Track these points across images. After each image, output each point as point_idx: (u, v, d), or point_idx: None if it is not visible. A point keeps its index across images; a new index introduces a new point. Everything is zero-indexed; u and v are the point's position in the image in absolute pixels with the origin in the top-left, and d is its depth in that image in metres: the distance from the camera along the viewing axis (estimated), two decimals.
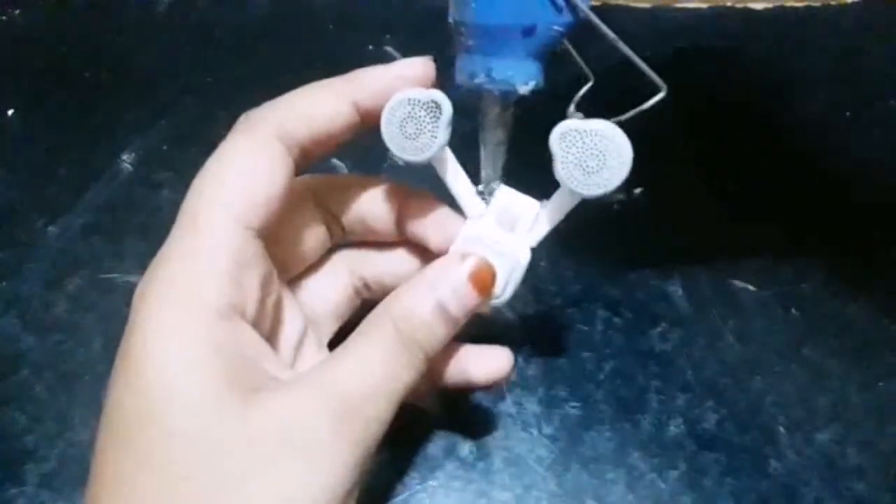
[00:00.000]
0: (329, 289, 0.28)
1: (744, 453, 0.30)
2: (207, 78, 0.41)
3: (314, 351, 0.26)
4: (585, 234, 0.36)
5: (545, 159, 0.23)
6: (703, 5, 0.45)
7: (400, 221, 0.26)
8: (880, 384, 0.31)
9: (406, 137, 0.23)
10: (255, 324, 0.22)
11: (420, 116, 0.23)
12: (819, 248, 0.35)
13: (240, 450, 0.19)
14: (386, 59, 0.42)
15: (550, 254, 0.35)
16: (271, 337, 0.24)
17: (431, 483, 0.29)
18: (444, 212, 0.26)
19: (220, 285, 0.21)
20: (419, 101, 0.23)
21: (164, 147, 0.39)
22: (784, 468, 0.29)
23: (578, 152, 0.22)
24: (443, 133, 0.23)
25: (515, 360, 0.29)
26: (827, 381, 0.32)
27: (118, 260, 0.35)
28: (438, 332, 0.23)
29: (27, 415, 0.31)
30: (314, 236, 0.27)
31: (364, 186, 0.27)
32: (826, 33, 0.40)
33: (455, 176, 0.25)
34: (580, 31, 0.23)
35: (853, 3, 0.45)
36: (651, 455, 0.30)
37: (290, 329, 0.25)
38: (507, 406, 0.31)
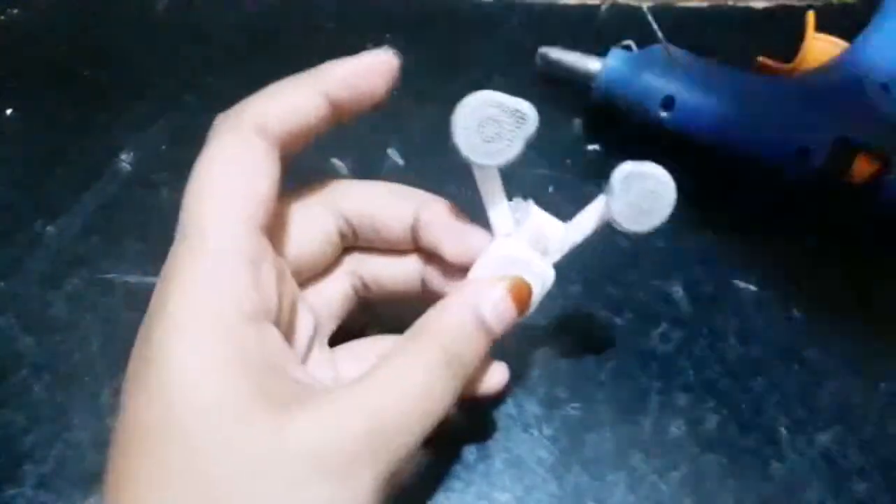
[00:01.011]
0: (330, 287, 0.27)
1: (745, 454, 0.30)
2: (207, 78, 0.41)
3: (319, 351, 0.26)
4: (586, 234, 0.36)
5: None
6: (704, 4, 0.44)
7: (415, 227, 0.26)
8: (882, 385, 0.31)
9: (482, 138, 0.23)
10: (277, 324, 0.22)
11: (503, 122, 0.23)
12: (820, 249, 0.35)
13: (271, 468, 0.19)
14: None
15: None
16: (288, 337, 0.23)
17: (431, 483, 0.29)
18: (463, 222, 0.26)
19: (241, 287, 0.20)
20: (507, 106, 0.23)
21: (163, 147, 0.39)
22: (785, 469, 0.29)
23: (635, 194, 0.24)
24: (520, 144, 0.23)
25: (516, 361, 0.29)
26: (828, 382, 0.31)
27: (117, 260, 0.35)
28: (479, 349, 0.23)
29: (25, 415, 0.30)
30: (326, 241, 0.26)
31: (380, 193, 0.26)
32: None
33: (494, 190, 0.25)
34: None
35: (854, 3, 0.45)
36: (652, 456, 0.30)
37: (303, 329, 0.25)
38: (507, 407, 0.31)
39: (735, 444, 0.30)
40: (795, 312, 0.33)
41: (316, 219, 0.26)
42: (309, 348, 0.25)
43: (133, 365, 0.20)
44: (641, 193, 0.24)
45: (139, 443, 0.19)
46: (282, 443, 0.19)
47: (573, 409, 0.31)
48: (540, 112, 0.23)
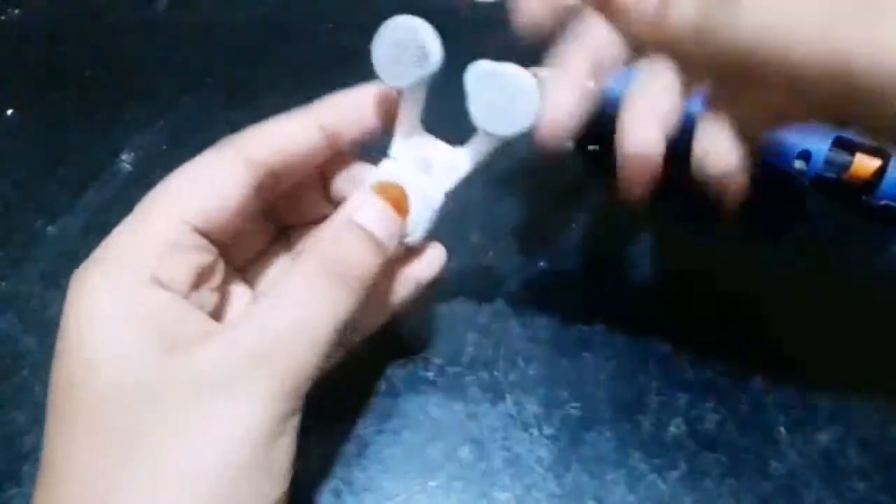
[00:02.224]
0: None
1: (745, 454, 0.30)
2: (207, 78, 0.41)
3: (239, 299, 0.27)
4: (586, 235, 0.36)
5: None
6: None
7: (326, 189, 0.28)
8: (882, 384, 0.31)
9: (390, 59, 0.24)
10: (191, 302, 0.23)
11: (410, 51, 0.24)
12: (818, 248, 0.35)
13: (167, 393, 0.20)
14: None
15: (550, 253, 0.35)
16: (217, 317, 0.25)
17: (431, 484, 0.29)
18: (363, 170, 0.27)
19: (147, 259, 0.22)
20: (418, 38, 0.24)
21: (164, 147, 0.39)
22: (785, 468, 0.29)
23: (491, 93, 0.23)
24: (414, 77, 0.24)
25: (516, 361, 0.29)
26: (828, 382, 0.31)
27: None
28: (363, 253, 0.23)
29: (26, 415, 0.30)
30: (261, 234, 0.28)
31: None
32: None
33: (406, 119, 0.25)
34: None
35: None
36: (652, 455, 0.30)
37: (238, 310, 0.26)
38: (507, 406, 0.31)
39: (734, 443, 0.30)
40: (795, 312, 0.33)
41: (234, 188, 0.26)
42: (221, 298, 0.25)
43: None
44: (499, 92, 0.23)
45: (55, 399, 0.21)
46: (174, 375, 0.20)
47: (573, 409, 0.31)
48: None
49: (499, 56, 0.24)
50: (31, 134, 0.40)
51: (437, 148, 0.26)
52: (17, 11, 0.44)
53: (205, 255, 0.24)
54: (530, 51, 0.39)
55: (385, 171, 0.26)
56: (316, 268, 0.23)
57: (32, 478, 0.29)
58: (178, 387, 0.20)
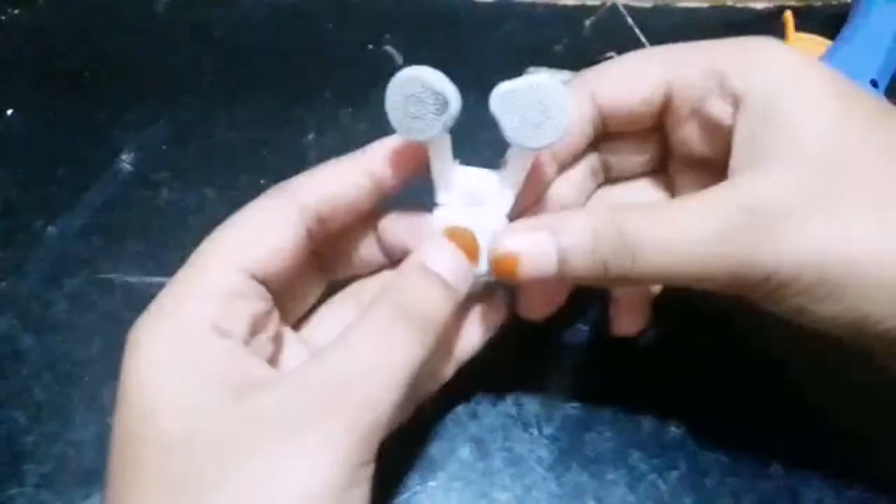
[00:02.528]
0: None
1: (745, 453, 0.30)
2: (207, 78, 0.41)
3: (292, 346, 0.27)
4: None
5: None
6: (704, 4, 0.44)
7: (383, 247, 0.28)
8: (882, 383, 0.31)
9: (407, 114, 0.23)
10: (247, 344, 0.23)
11: (426, 102, 0.23)
12: None
13: (234, 439, 0.20)
14: (385, 58, 0.42)
15: None
16: (262, 355, 0.24)
17: (431, 484, 0.29)
18: (419, 218, 0.27)
19: (205, 308, 0.22)
20: (431, 87, 0.23)
21: (164, 147, 0.39)
22: (785, 468, 0.29)
23: (521, 109, 0.23)
24: (439, 126, 0.23)
25: (516, 361, 0.29)
26: (828, 380, 0.31)
27: (117, 260, 0.35)
28: (436, 299, 0.23)
29: (26, 415, 0.31)
30: (314, 285, 0.28)
31: (349, 227, 0.27)
32: (827, 32, 0.40)
33: (438, 162, 0.25)
34: None
35: (848, 1, 0.45)
36: (652, 455, 0.30)
37: (292, 362, 0.26)
38: (507, 406, 0.31)
39: (734, 442, 0.30)
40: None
41: (304, 272, 0.27)
42: (275, 348, 0.25)
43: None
44: (529, 106, 0.23)
45: (119, 450, 0.21)
46: (239, 414, 0.20)
47: (573, 409, 0.31)
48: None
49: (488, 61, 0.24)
50: (31, 134, 0.40)
51: (480, 179, 0.26)
52: (17, 11, 0.44)
53: (261, 302, 0.24)
54: (529, 51, 0.40)
55: (443, 217, 0.26)
56: (389, 313, 0.22)
57: (32, 478, 0.29)
58: (244, 432, 0.20)
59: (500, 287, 0.28)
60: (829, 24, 0.40)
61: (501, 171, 0.26)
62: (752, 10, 0.45)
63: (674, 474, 0.29)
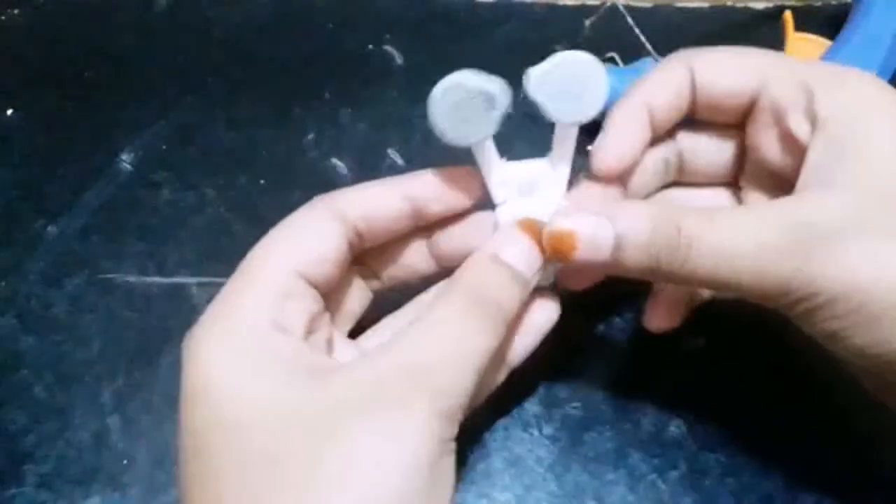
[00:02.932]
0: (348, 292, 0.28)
1: (744, 453, 0.30)
2: (207, 78, 0.41)
3: (342, 347, 0.27)
4: None
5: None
6: (704, 4, 0.44)
7: (436, 255, 0.28)
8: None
9: (456, 120, 0.24)
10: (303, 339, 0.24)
11: (474, 104, 0.23)
12: None
13: (314, 419, 0.20)
14: (386, 58, 0.42)
15: None
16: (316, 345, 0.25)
17: None
18: (478, 219, 0.27)
19: (263, 307, 0.22)
20: (475, 90, 0.23)
21: (164, 147, 0.39)
22: (785, 468, 0.29)
23: (558, 88, 0.23)
24: (492, 125, 0.24)
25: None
26: (828, 380, 0.31)
27: (117, 260, 0.35)
28: (508, 287, 0.24)
29: (26, 415, 0.31)
30: (360, 295, 0.28)
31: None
32: (827, 32, 0.40)
33: (486, 163, 0.25)
34: None
35: (848, 1, 0.45)
36: (651, 455, 0.30)
37: (323, 335, 0.26)
38: (507, 406, 0.31)
39: (734, 442, 0.30)
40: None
41: (348, 279, 0.27)
42: (329, 350, 0.26)
43: (180, 394, 0.22)
44: (565, 82, 0.24)
45: (197, 449, 0.21)
46: (319, 395, 0.20)
47: (573, 409, 0.31)
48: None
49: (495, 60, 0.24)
50: (31, 134, 0.40)
51: (531, 169, 0.26)
52: (16, 11, 0.44)
53: (315, 302, 0.24)
54: (529, 51, 0.39)
55: (507, 212, 0.26)
56: (465, 300, 0.23)
57: (32, 478, 0.29)
58: (331, 413, 0.20)
59: (550, 286, 0.27)
60: (829, 24, 0.40)
61: (550, 155, 0.26)
62: (753, 10, 0.45)
63: (674, 474, 0.29)
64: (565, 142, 0.25)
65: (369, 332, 0.28)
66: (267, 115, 0.40)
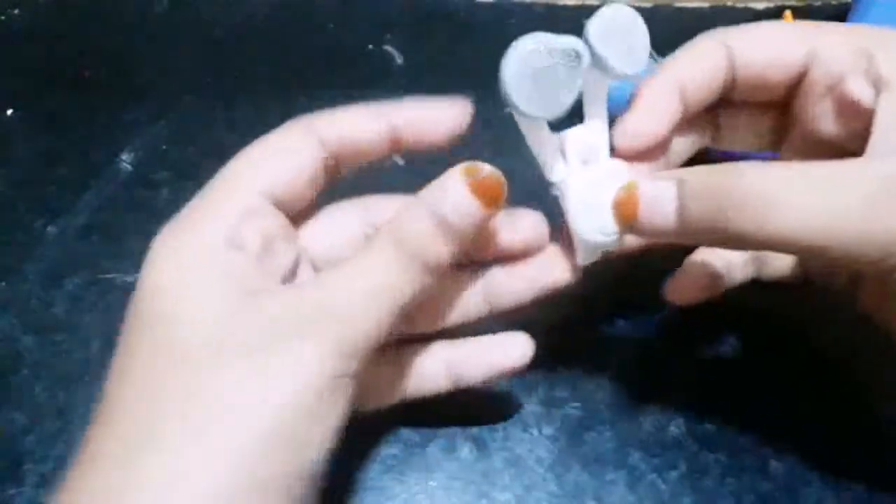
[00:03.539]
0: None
1: (745, 453, 0.30)
2: (207, 78, 0.41)
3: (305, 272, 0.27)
4: None
5: None
6: (705, 5, 0.45)
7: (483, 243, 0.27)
8: (883, 381, 0.31)
9: (537, 92, 0.22)
10: (262, 259, 0.24)
11: (557, 67, 0.22)
12: None
13: (228, 340, 0.21)
14: (386, 58, 0.42)
15: None
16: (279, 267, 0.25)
17: (431, 484, 0.29)
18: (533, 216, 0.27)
19: (222, 222, 0.23)
20: (561, 50, 0.22)
21: (164, 147, 0.39)
22: (785, 468, 0.29)
23: (615, 39, 0.24)
24: (576, 89, 0.23)
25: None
26: (828, 380, 0.31)
27: (117, 260, 0.35)
28: (438, 242, 0.23)
29: (26, 415, 0.30)
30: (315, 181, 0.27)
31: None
32: None
33: (543, 140, 0.25)
34: None
35: (847, 1, 0.45)
36: (652, 455, 0.30)
37: (286, 258, 0.26)
38: (507, 406, 0.31)
39: (734, 442, 0.30)
40: (795, 308, 0.33)
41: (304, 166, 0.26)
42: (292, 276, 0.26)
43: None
44: (620, 34, 0.24)
45: (127, 343, 0.23)
46: (243, 322, 0.22)
47: (573, 409, 0.31)
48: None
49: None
50: (31, 134, 0.40)
51: (583, 134, 0.25)
52: (16, 11, 0.44)
53: (274, 221, 0.25)
54: None
55: (580, 185, 0.25)
56: (386, 244, 0.23)
57: (32, 478, 0.29)
58: (239, 336, 0.21)
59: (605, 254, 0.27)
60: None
61: (592, 118, 0.26)
62: (753, 10, 0.45)
63: (674, 474, 0.29)
64: (600, 102, 0.25)
65: (317, 221, 0.28)
66: (267, 115, 0.40)
